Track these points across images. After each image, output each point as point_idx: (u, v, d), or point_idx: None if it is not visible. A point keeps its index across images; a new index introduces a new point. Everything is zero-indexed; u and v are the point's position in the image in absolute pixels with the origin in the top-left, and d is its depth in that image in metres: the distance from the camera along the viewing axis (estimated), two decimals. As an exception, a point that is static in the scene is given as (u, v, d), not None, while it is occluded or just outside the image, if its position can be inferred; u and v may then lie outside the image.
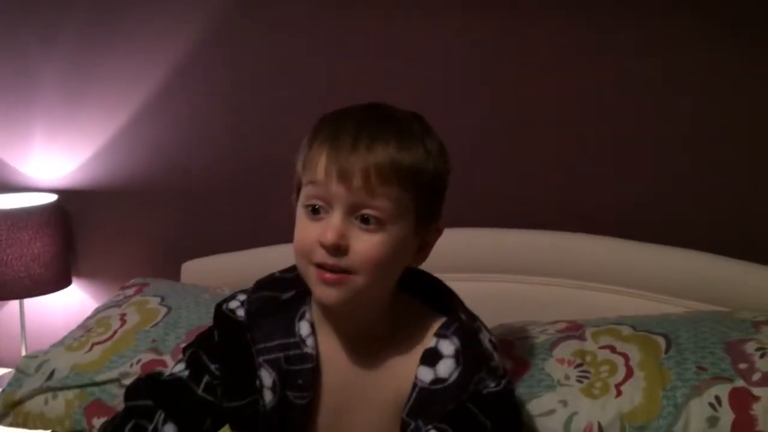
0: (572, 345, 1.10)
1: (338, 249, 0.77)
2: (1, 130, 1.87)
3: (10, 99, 1.85)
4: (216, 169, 1.71)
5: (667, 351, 1.05)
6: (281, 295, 0.91)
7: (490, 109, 1.49)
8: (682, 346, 1.06)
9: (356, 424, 0.87)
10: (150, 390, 0.91)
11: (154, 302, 1.41)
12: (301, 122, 0.86)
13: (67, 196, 1.82)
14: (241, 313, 0.91)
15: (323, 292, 0.80)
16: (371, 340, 0.86)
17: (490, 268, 1.43)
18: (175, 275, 1.69)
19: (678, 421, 0.96)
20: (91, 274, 1.87)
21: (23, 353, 1.77)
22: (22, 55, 1.82)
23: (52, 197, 1.78)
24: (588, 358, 1.07)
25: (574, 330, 1.15)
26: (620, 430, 0.97)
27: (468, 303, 1.42)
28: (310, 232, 0.79)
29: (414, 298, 0.90)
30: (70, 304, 1.87)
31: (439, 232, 0.87)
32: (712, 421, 0.96)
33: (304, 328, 0.89)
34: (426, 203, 0.82)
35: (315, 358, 0.88)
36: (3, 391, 1.28)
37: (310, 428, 0.89)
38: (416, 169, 0.79)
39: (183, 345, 1.02)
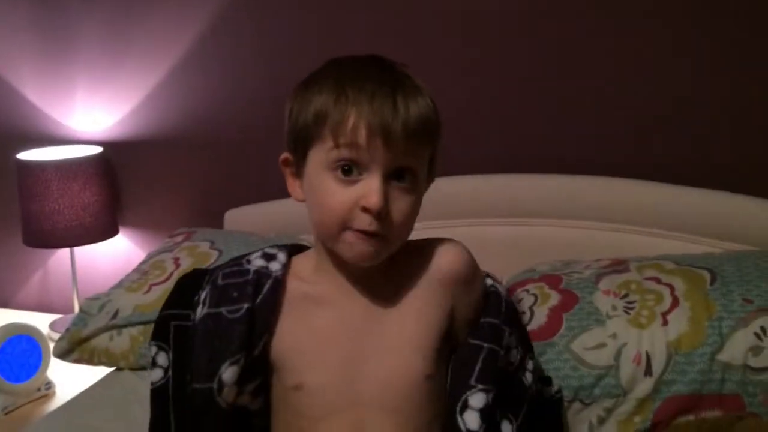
0: (617, 278, 1.13)
1: (382, 214, 0.77)
2: (44, 84, 1.91)
3: (52, 55, 1.88)
4: (256, 118, 1.73)
5: (712, 283, 1.08)
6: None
7: (524, 60, 1.50)
8: (727, 279, 1.08)
9: (375, 365, 0.84)
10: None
11: (204, 246, 1.46)
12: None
13: (111, 148, 1.86)
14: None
15: (363, 248, 0.78)
16: (377, 281, 0.86)
17: (529, 213, 1.47)
18: (217, 224, 1.74)
19: (722, 349, 1.00)
20: (136, 224, 1.92)
21: (75, 299, 1.84)
22: (64, 11, 1.84)
23: (98, 149, 1.82)
24: (633, 287, 1.10)
25: (618, 265, 1.18)
26: (667, 357, 1.00)
27: (508, 247, 1.47)
28: (345, 195, 0.77)
29: None
30: (118, 253, 1.94)
31: (431, 181, 0.89)
32: (756, 351, 0.99)
33: (258, 261, 0.90)
34: (436, 155, 0.86)
35: (279, 280, 0.87)
36: (68, 330, 1.35)
37: (323, 365, 0.85)
38: (437, 122, 0.82)
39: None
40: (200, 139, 1.80)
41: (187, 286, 0.93)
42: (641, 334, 1.02)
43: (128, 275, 1.44)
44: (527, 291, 1.16)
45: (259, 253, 0.92)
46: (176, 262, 1.41)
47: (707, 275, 1.10)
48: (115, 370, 1.33)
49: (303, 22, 1.65)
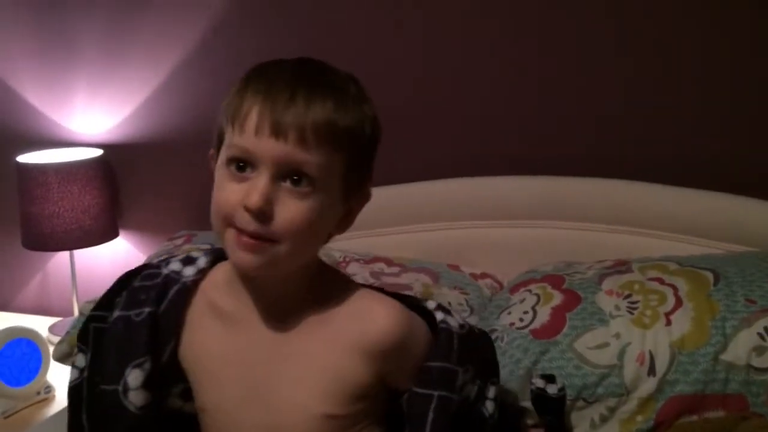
0: (620, 278, 1.13)
1: (263, 214, 0.71)
2: (44, 87, 1.91)
3: (52, 57, 1.88)
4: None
5: (715, 284, 1.08)
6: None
7: (532, 61, 1.51)
8: (730, 280, 1.08)
9: (277, 396, 0.80)
10: None
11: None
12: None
13: (111, 151, 1.86)
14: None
15: (241, 257, 0.73)
16: (292, 308, 0.81)
17: (529, 215, 1.46)
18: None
19: (725, 349, 1.00)
20: (136, 227, 1.92)
21: (74, 302, 1.84)
22: (63, 14, 1.84)
23: (98, 152, 1.82)
24: (636, 287, 1.10)
25: (621, 265, 1.18)
26: (670, 357, 1.00)
27: (510, 249, 1.47)
28: (232, 193, 0.73)
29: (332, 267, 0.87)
30: (118, 256, 1.93)
31: (366, 199, 0.82)
32: (760, 351, 0.99)
33: (174, 264, 0.87)
34: (357, 168, 0.78)
35: (188, 286, 0.84)
36: (68, 333, 1.34)
37: (223, 391, 0.82)
38: (352, 131, 0.75)
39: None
40: (200, 141, 1.78)
41: (117, 287, 0.91)
42: (645, 333, 1.02)
43: (128, 277, 1.43)
44: (530, 291, 1.16)
45: (181, 256, 0.89)
46: (177, 264, 1.40)
47: (710, 276, 1.10)
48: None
49: (303, 24, 1.65)
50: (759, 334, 1.00)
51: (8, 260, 2.04)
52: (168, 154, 1.83)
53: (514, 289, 1.21)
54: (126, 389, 0.82)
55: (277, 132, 0.71)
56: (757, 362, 0.98)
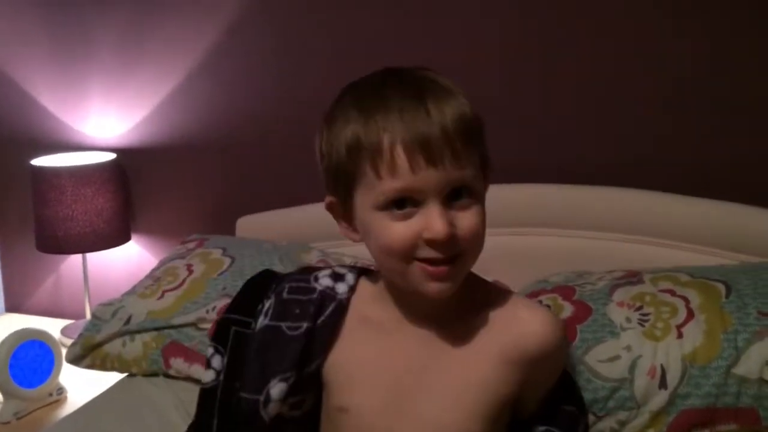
0: (631, 289, 1.12)
1: (450, 240, 0.71)
2: (59, 91, 1.93)
3: (67, 61, 1.90)
4: (269, 125, 1.75)
5: (727, 296, 1.07)
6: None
7: (533, 69, 1.50)
8: (742, 292, 1.07)
9: (422, 406, 0.80)
10: None
11: (217, 253, 1.46)
12: (355, 78, 0.82)
13: (124, 155, 1.88)
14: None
15: (435, 288, 0.74)
16: (441, 318, 0.81)
17: (539, 223, 1.46)
18: (229, 231, 1.74)
19: (738, 362, 0.99)
20: (148, 230, 1.93)
21: (87, 305, 1.85)
22: (78, 18, 1.86)
23: (111, 156, 1.83)
24: (647, 299, 1.09)
25: (632, 276, 1.17)
26: (682, 370, 0.99)
27: (521, 258, 1.46)
28: (404, 232, 0.72)
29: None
30: (130, 259, 1.95)
31: (488, 184, 0.81)
32: (772, 364, 0.98)
33: (325, 280, 0.88)
34: (484, 155, 0.78)
35: (343, 304, 0.85)
36: (81, 335, 1.35)
37: (370, 395, 0.82)
38: (479, 119, 0.76)
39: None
40: (213, 146, 1.81)
41: (254, 290, 0.93)
42: (656, 346, 1.02)
43: (141, 281, 1.45)
44: (540, 302, 1.15)
45: (328, 272, 0.90)
46: (189, 268, 1.41)
47: (722, 288, 1.09)
48: (127, 376, 1.34)
49: (317, 29, 1.66)
50: (771, 347, 0.99)
51: (22, 262, 2.06)
52: (181, 158, 1.85)
53: (524, 299, 1.21)
54: (268, 401, 0.83)
55: (430, 150, 0.70)
56: (769, 376, 0.98)
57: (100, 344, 1.32)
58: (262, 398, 0.83)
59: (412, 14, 1.57)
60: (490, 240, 1.45)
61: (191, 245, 1.55)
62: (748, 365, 0.98)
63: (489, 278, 1.40)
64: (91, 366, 1.35)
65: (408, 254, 0.73)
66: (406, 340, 0.81)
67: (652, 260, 1.32)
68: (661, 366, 1.00)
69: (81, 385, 1.55)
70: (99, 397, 1.29)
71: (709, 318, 1.04)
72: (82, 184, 1.72)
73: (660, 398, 0.99)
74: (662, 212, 1.38)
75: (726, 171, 1.41)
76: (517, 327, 0.79)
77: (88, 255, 1.84)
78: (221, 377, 0.87)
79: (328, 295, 0.87)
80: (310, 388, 0.87)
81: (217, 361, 0.89)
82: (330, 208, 0.82)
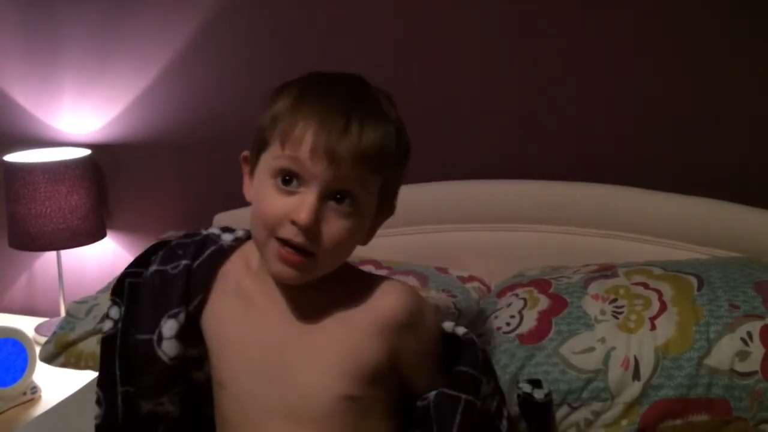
0: (606, 283, 1.13)
1: (310, 230, 0.76)
2: (32, 86, 1.90)
3: (40, 56, 1.87)
4: (245, 121, 1.71)
5: (699, 289, 1.09)
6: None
7: (516, 66, 1.51)
8: (714, 285, 1.09)
9: (295, 377, 0.83)
10: None
11: (193, 250, 1.45)
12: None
13: (99, 151, 1.86)
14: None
15: (281, 269, 0.78)
16: (310, 295, 0.84)
17: (515, 218, 1.47)
18: (206, 227, 1.72)
19: (709, 354, 1.01)
20: (124, 227, 1.91)
21: (61, 303, 1.83)
22: (51, 12, 1.83)
23: (86, 152, 1.81)
24: (622, 292, 1.10)
25: (606, 270, 1.19)
26: (655, 362, 1.01)
27: (498, 252, 1.47)
28: (278, 206, 0.77)
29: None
30: (105, 256, 1.93)
31: (390, 213, 0.87)
32: (742, 355, 1.00)
33: (214, 229, 0.94)
34: (391, 187, 0.84)
35: (224, 248, 0.90)
36: (55, 333, 1.33)
37: (242, 370, 0.85)
38: (396, 155, 0.80)
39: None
40: (189, 142, 1.80)
41: (151, 250, 0.97)
42: (630, 338, 1.03)
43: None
44: (516, 295, 1.16)
45: (220, 226, 0.96)
46: (165, 265, 1.40)
47: (695, 281, 1.11)
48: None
49: (290, 26, 1.65)
50: (742, 339, 1.01)
51: (-5, 260, 2.03)
52: (156, 154, 1.83)
53: (501, 293, 1.22)
54: (160, 338, 0.88)
55: (332, 160, 0.75)
56: (740, 367, 0.99)
57: (74, 342, 1.30)
58: (155, 337, 0.88)
59: (394, 14, 1.57)
60: (469, 235, 1.49)
61: (167, 242, 1.54)
62: (720, 357, 1.00)
63: (466, 272, 1.43)
64: (65, 364, 1.32)
65: (272, 226, 0.77)
66: (275, 315, 0.85)
67: (626, 255, 1.33)
68: (635, 357, 1.02)
69: (55, 384, 1.54)
70: (73, 395, 1.28)
71: (682, 310, 1.05)
72: (56, 181, 1.70)
73: (633, 389, 1.00)
74: (636, 208, 1.40)
75: (699, 167, 1.43)
76: (377, 298, 0.84)
77: (63, 252, 1.82)
78: (119, 325, 0.91)
79: (211, 239, 0.92)
80: (201, 340, 0.90)
81: (114, 312, 0.93)
82: (244, 160, 0.88)
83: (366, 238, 0.85)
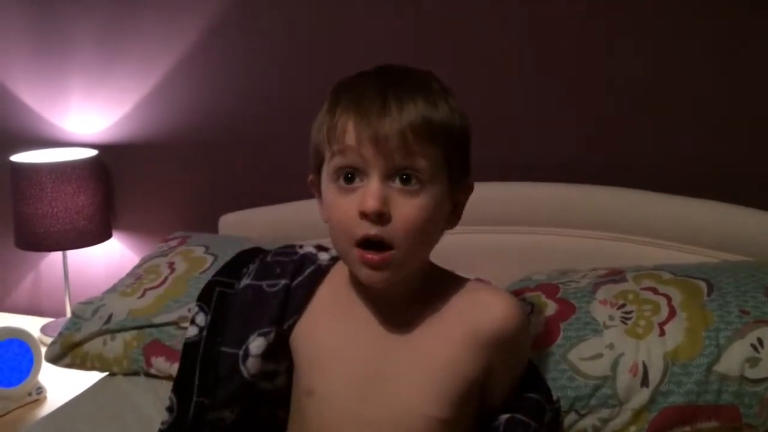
0: (614, 288, 1.12)
1: (381, 216, 0.74)
2: (39, 86, 1.90)
3: (47, 57, 1.88)
4: (251, 123, 1.74)
5: (709, 294, 1.08)
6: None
7: (521, 69, 1.50)
8: (724, 290, 1.08)
9: (389, 392, 0.82)
10: None
11: (199, 251, 1.45)
12: (340, 76, 0.84)
13: (105, 151, 1.85)
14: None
15: (369, 275, 0.77)
16: (407, 305, 0.84)
17: (524, 221, 1.46)
18: (212, 228, 1.73)
19: (719, 360, 1.00)
20: (130, 228, 1.91)
21: (67, 303, 1.83)
22: (59, 14, 1.83)
23: (92, 152, 1.81)
24: (630, 297, 1.09)
25: (615, 274, 1.18)
26: (663, 368, 1.00)
27: (505, 256, 1.47)
28: (346, 205, 0.76)
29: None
30: (111, 257, 1.93)
31: (470, 190, 0.85)
32: (753, 362, 0.99)
33: (309, 248, 0.93)
34: (457, 160, 0.81)
35: (322, 268, 0.89)
36: (60, 334, 1.33)
37: (337, 380, 0.84)
38: (447, 124, 0.78)
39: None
40: (195, 143, 1.80)
41: (242, 259, 0.96)
42: (638, 344, 1.02)
43: (122, 279, 1.43)
44: (524, 300, 1.15)
45: (313, 243, 0.95)
46: (171, 266, 1.40)
47: (704, 286, 1.10)
48: (107, 375, 1.32)
49: (297, 27, 1.65)
50: (752, 345, 1.00)
51: (1, 260, 2.03)
52: (163, 155, 1.83)
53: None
54: (246, 355, 0.86)
55: (378, 142, 0.73)
56: (750, 373, 0.98)
57: (80, 343, 1.31)
58: (241, 352, 0.86)
59: (400, 15, 1.56)
60: (475, 237, 1.49)
61: (173, 243, 1.54)
62: (730, 363, 0.99)
63: (472, 276, 1.42)
64: (71, 365, 1.33)
65: (349, 228, 0.76)
66: (373, 326, 0.84)
67: (635, 258, 1.32)
68: (643, 363, 1.01)
69: (61, 385, 1.53)
70: (79, 396, 1.27)
71: (691, 316, 1.04)
72: (63, 181, 1.70)
73: (642, 396, 0.99)
74: (645, 211, 1.39)
75: (708, 170, 1.42)
76: (480, 310, 0.81)
77: (69, 252, 1.82)
78: (204, 333, 0.90)
79: (309, 258, 0.91)
80: (284, 356, 0.89)
81: (201, 319, 0.91)
82: (311, 184, 0.86)
83: (452, 220, 0.83)
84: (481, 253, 1.48)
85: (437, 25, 1.54)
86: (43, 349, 1.41)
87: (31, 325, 1.79)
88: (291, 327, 0.88)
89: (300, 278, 0.89)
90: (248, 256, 0.96)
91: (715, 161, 1.41)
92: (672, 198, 1.38)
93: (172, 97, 1.79)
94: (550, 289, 1.16)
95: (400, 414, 0.80)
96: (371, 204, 0.73)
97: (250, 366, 0.86)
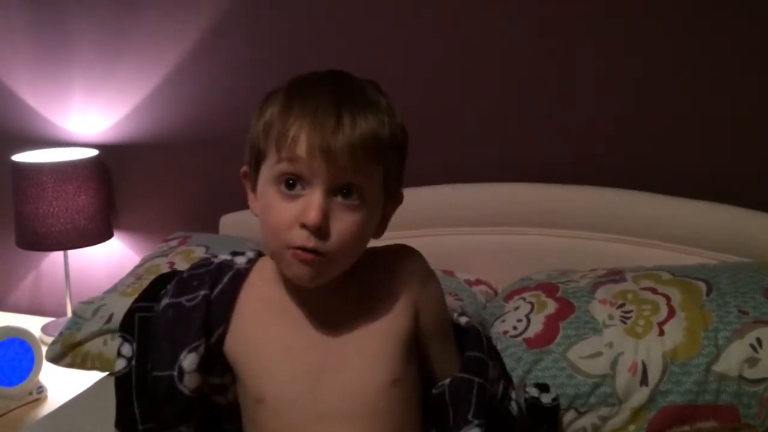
0: (614, 287, 1.13)
1: (320, 230, 0.75)
2: (41, 86, 1.91)
3: (49, 57, 1.88)
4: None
5: (708, 294, 1.08)
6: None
7: (521, 69, 1.51)
8: (723, 291, 1.09)
9: (338, 376, 0.82)
10: None
11: (199, 251, 1.45)
12: None
13: (107, 151, 1.86)
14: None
15: (299, 270, 0.77)
16: (335, 288, 0.84)
17: (523, 221, 1.47)
18: (213, 229, 1.73)
19: (718, 360, 1.00)
20: (131, 227, 1.92)
21: (68, 303, 1.83)
22: (61, 14, 1.84)
23: (93, 152, 1.82)
24: (630, 296, 1.10)
25: (614, 275, 1.18)
26: (663, 367, 1.00)
27: (505, 256, 1.47)
28: (285, 213, 0.76)
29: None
30: (112, 257, 1.93)
31: (399, 202, 0.87)
32: (752, 362, 0.99)
33: (224, 255, 0.91)
34: (394, 175, 0.83)
35: (241, 272, 0.87)
36: (61, 334, 1.34)
37: (284, 382, 0.83)
38: (393, 142, 0.79)
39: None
40: (196, 143, 1.80)
41: (160, 282, 0.94)
42: (637, 343, 1.03)
43: (123, 279, 1.43)
44: (523, 299, 1.16)
45: (228, 251, 0.93)
46: (171, 266, 1.40)
47: (703, 286, 1.10)
48: (108, 375, 1.32)
49: (299, 26, 1.65)
50: (751, 345, 1.00)
51: (2, 259, 2.03)
52: (163, 155, 1.83)
53: (508, 296, 1.21)
54: (181, 374, 0.84)
55: (329, 156, 0.74)
56: (748, 374, 0.99)
57: (80, 343, 1.31)
58: (175, 373, 0.84)
59: (400, 17, 1.57)
60: (475, 238, 1.49)
61: (174, 243, 1.54)
62: (728, 363, 1.00)
63: (473, 276, 1.43)
64: (71, 365, 1.33)
65: (285, 236, 0.76)
66: (306, 316, 0.84)
67: (634, 259, 1.33)
68: (642, 363, 1.01)
69: (61, 384, 1.54)
70: (79, 396, 1.27)
71: (690, 316, 1.05)
72: (64, 181, 1.70)
73: (641, 395, 1.00)
74: (645, 212, 1.40)
75: (709, 172, 1.42)
76: (397, 266, 0.86)
77: (70, 252, 1.82)
78: (132, 362, 0.88)
79: (226, 265, 0.89)
80: (224, 369, 0.87)
81: (126, 349, 0.90)
82: (244, 176, 0.87)
83: (379, 230, 0.85)
84: (481, 253, 1.48)
85: (438, 24, 1.54)
86: (44, 349, 1.41)
87: (32, 324, 1.79)
88: (221, 337, 0.86)
89: (219, 286, 0.87)
90: (166, 279, 0.93)
91: (715, 162, 1.42)
92: (671, 199, 1.38)
93: (173, 98, 1.79)
94: (549, 289, 1.16)
95: (357, 392, 0.81)
96: (313, 217, 0.74)
97: (189, 382, 0.84)
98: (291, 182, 0.76)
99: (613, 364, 1.02)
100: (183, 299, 0.87)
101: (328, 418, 0.81)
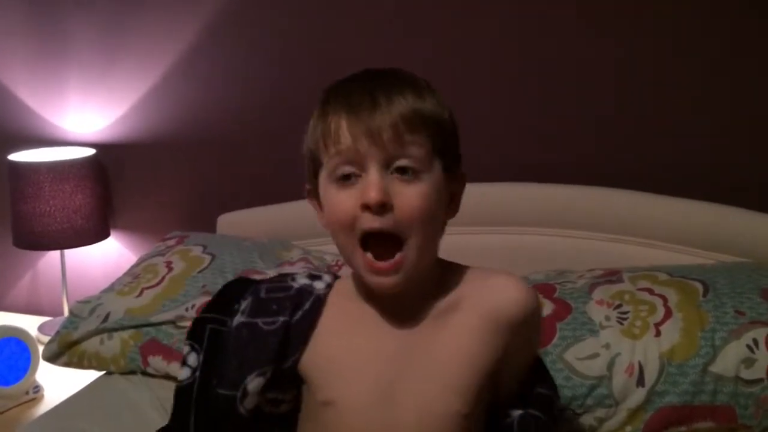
0: (611, 288, 1.13)
1: (383, 206, 0.74)
2: (38, 85, 1.90)
3: (46, 55, 1.87)
4: (250, 123, 1.73)
5: (704, 295, 1.08)
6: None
7: (519, 68, 1.51)
8: (720, 291, 1.09)
9: (411, 393, 0.80)
10: None
11: (197, 250, 1.45)
12: (338, 76, 0.84)
13: (103, 151, 1.85)
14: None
15: (379, 280, 0.76)
16: (418, 303, 0.82)
17: (521, 221, 1.46)
18: (210, 228, 1.73)
19: (714, 360, 1.00)
20: (128, 227, 1.91)
21: (65, 302, 1.83)
22: (58, 13, 1.83)
23: (90, 151, 1.81)
24: (626, 297, 1.10)
25: (611, 275, 1.18)
26: (659, 368, 1.00)
27: (502, 256, 1.47)
28: (346, 200, 0.76)
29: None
30: (108, 256, 1.92)
31: (464, 180, 0.85)
32: (748, 362, 1.00)
33: (302, 279, 0.89)
34: (448, 150, 0.81)
35: (321, 298, 0.86)
36: (58, 333, 1.33)
37: (357, 388, 0.82)
38: (436, 115, 0.79)
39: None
40: (193, 142, 1.80)
41: (231, 293, 0.93)
42: (634, 344, 1.03)
43: (120, 278, 1.43)
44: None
45: (305, 273, 0.91)
46: (168, 265, 1.40)
47: (700, 287, 1.11)
48: (105, 374, 1.32)
49: (295, 27, 1.65)
50: (748, 346, 1.01)
51: (-1, 259, 2.03)
52: (161, 154, 1.83)
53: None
54: (245, 395, 0.84)
55: (372, 136, 0.74)
56: (745, 374, 0.99)
57: (77, 342, 1.31)
58: (239, 394, 0.84)
59: (390, 14, 1.57)
60: (472, 238, 1.49)
61: (171, 242, 1.54)
62: (725, 363, 1.00)
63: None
64: (68, 364, 1.33)
65: (350, 223, 0.76)
66: (386, 330, 0.82)
67: (631, 259, 1.33)
68: (639, 364, 1.01)
69: (58, 383, 1.54)
70: (76, 395, 1.27)
71: (687, 316, 1.05)
72: (61, 180, 1.70)
73: (638, 396, 1.00)
74: (642, 212, 1.39)
75: (705, 171, 1.42)
76: (493, 294, 0.81)
77: (67, 251, 1.82)
78: (197, 374, 0.87)
79: (306, 291, 0.88)
80: (288, 387, 0.87)
81: (192, 359, 0.88)
82: (308, 195, 0.85)
83: (450, 210, 0.83)
84: (480, 253, 1.46)
85: (437, 25, 1.54)
86: (41, 348, 1.41)
87: (29, 323, 1.79)
88: (296, 361, 0.85)
89: (300, 312, 0.86)
90: (236, 289, 0.92)
91: (713, 163, 1.42)
92: (669, 199, 1.38)
93: (170, 97, 1.79)
94: (546, 289, 1.16)
95: (424, 415, 0.79)
96: (373, 195, 0.73)
97: (249, 403, 0.84)
98: (346, 176, 0.76)
99: (610, 365, 1.02)
100: (260, 321, 0.86)
101: (393, 431, 0.80)
